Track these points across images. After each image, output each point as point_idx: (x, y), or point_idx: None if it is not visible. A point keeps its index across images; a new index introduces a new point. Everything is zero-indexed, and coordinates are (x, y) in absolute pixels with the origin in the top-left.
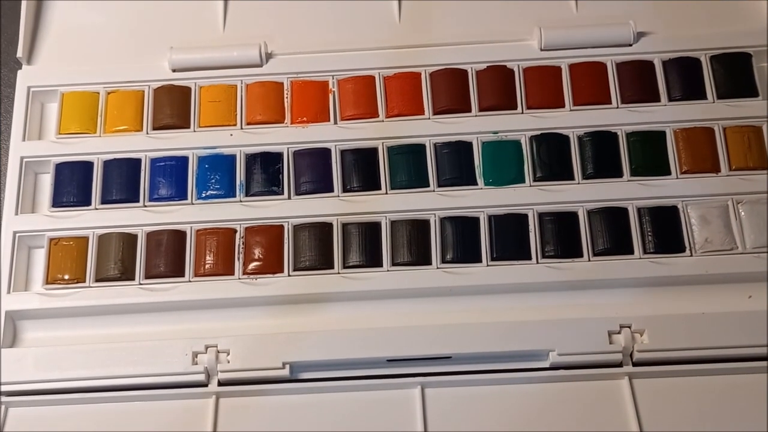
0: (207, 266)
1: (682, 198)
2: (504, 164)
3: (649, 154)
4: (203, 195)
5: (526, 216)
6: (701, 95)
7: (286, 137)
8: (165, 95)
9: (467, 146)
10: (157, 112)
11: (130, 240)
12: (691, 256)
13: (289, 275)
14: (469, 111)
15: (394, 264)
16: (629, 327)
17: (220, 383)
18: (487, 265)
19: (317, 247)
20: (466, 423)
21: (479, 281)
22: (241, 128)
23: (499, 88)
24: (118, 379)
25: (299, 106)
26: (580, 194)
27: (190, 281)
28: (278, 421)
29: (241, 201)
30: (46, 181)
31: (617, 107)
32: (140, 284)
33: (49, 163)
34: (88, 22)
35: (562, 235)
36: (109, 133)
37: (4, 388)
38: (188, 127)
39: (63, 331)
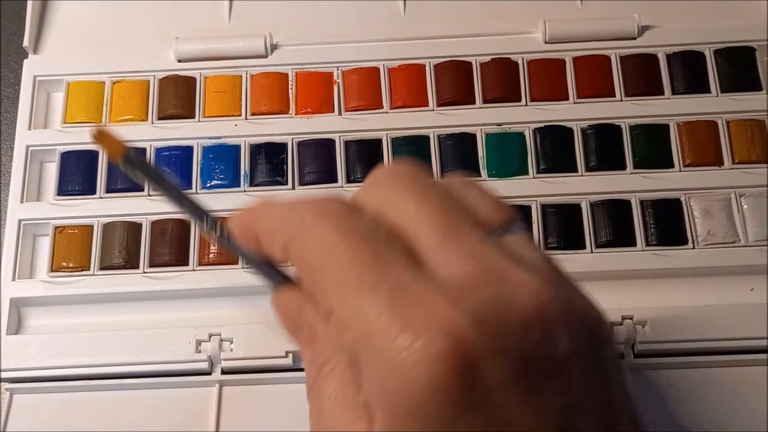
0: (211, 255)
1: (684, 191)
2: (507, 156)
3: (653, 147)
4: (207, 185)
5: (528, 208)
6: (705, 89)
7: (290, 128)
8: (170, 85)
9: (471, 138)
10: (162, 102)
11: (134, 228)
12: (694, 248)
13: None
14: (473, 103)
15: None
16: (631, 318)
17: (224, 371)
18: None
19: None
20: None
21: None
22: (246, 118)
23: (503, 80)
24: (121, 367)
25: (304, 97)
26: (583, 186)
27: (194, 270)
28: (281, 409)
29: (245, 191)
30: (52, 170)
31: (621, 100)
32: (144, 272)
33: (55, 152)
34: (94, 12)
35: (564, 227)
36: (114, 123)
37: (9, 374)
38: (193, 117)
39: (67, 319)
